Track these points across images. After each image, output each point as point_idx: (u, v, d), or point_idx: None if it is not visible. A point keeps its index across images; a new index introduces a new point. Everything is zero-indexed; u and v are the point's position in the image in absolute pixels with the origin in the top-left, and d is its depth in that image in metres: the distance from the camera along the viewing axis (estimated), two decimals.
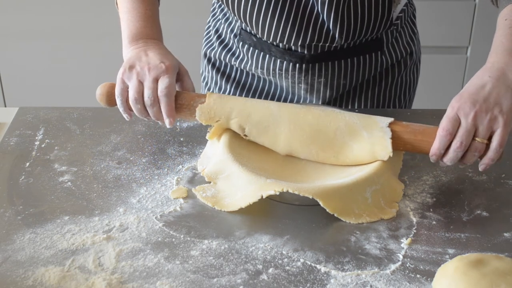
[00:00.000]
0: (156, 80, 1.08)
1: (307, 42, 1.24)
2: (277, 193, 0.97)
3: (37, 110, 1.30)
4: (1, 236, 0.96)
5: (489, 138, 1.01)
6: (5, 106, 2.88)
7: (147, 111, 1.10)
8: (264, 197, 0.97)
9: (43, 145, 1.18)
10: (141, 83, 1.08)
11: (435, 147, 1.02)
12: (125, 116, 1.12)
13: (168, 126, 1.10)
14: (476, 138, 1.00)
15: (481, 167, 1.03)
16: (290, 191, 0.96)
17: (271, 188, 0.97)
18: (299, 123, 1.08)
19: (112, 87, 1.13)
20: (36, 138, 1.21)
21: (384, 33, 1.30)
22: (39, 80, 2.81)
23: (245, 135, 1.10)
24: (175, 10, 2.57)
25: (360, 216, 0.99)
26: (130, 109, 1.11)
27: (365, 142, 1.05)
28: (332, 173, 1.07)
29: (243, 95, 1.37)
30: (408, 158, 1.14)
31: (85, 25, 2.67)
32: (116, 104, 1.13)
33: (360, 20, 1.22)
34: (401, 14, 1.32)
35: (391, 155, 1.04)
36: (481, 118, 1.00)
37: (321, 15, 1.21)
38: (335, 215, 0.98)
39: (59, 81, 2.80)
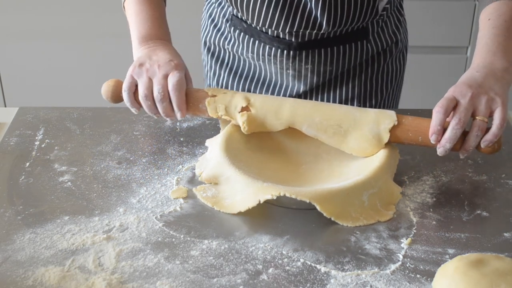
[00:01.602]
0: (166, 77, 1.10)
1: (294, 29, 1.27)
2: (274, 197, 0.96)
3: (37, 110, 1.30)
4: (1, 236, 0.96)
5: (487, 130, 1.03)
6: (5, 106, 2.88)
7: (156, 107, 1.11)
8: (261, 201, 0.97)
9: (43, 145, 1.18)
10: (150, 80, 1.10)
11: (432, 125, 1.02)
12: (133, 110, 1.14)
13: (179, 119, 1.12)
14: (477, 117, 1.02)
15: (483, 144, 1.03)
16: (287, 195, 0.96)
17: (268, 192, 0.97)
18: (304, 100, 1.13)
19: (118, 83, 1.15)
20: (36, 138, 1.21)
21: (370, 22, 1.32)
22: (39, 80, 2.80)
23: (247, 110, 1.09)
24: (176, 9, 2.57)
25: (357, 220, 0.99)
26: (138, 103, 1.13)
27: (369, 111, 1.08)
28: (330, 177, 1.07)
29: (236, 81, 1.42)
30: (408, 158, 1.14)
31: (85, 25, 2.67)
32: (120, 101, 1.15)
33: (347, 8, 1.24)
34: (387, 5, 1.34)
35: (396, 123, 1.05)
36: (478, 98, 1.02)
37: (309, 3, 1.23)
38: (332, 219, 0.97)
39: (59, 81, 2.80)
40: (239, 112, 1.10)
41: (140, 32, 1.19)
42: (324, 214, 0.96)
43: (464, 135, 1.03)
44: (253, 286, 0.87)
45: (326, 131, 1.08)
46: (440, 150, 1.03)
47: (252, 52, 1.35)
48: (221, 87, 1.44)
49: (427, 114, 1.27)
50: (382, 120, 1.07)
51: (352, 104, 1.38)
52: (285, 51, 1.32)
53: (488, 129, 1.02)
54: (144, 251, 0.93)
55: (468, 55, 2.70)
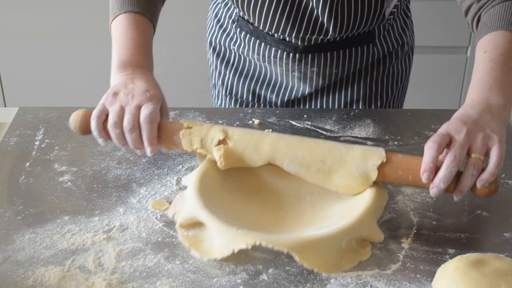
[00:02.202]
0: (138, 107, 1.03)
1: (301, 34, 1.27)
2: (249, 247, 0.88)
3: (37, 110, 1.30)
4: (1, 236, 0.96)
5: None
6: (5, 106, 2.88)
7: (125, 137, 1.04)
8: (235, 251, 0.89)
9: (43, 145, 1.18)
10: (122, 108, 1.03)
11: (424, 162, 0.94)
12: (99, 140, 1.05)
13: (148, 154, 1.04)
14: (472, 155, 0.94)
15: (479, 183, 0.94)
16: (263, 244, 0.87)
17: (242, 240, 0.88)
18: (286, 135, 1.05)
19: (87, 113, 1.07)
20: (36, 138, 1.21)
21: (376, 26, 1.32)
22: (39, 80, 2.80)
23: (225, 143, 1.02)
24: (181, 8, 2.57)
25: (339, 265, 0.90)
26: (106, 134, 1.05)
27: (355, 148, 1.01)
28: (312, 221, 0.98)
29: (241, 81, 1.41)
30: None
31: (85, 25, 2.67)
32: (89, 132, 1.07)
33: (353, 15, 1.24)
34: (394, 10, 1.33)
35: (384, 160, 0.97)
36: (474, 135, 0.95)
37: (315, 10, 1.23)
38: (315, 270, 0.89)
39: (59, 81, 2.80)
40: (216, 146, 1.02)
41: (121, 58, 1.12)
42: (305, 265, 0.88)
43: (458, 175, 0.94)
44: (253, 286, 0.87)
45: (309, 167, 0.99)
46: (433, 191, 0.94)
47: (258, 54, 1.35)
48: (227, 87, 1.44)
49: (427, 114, 1.28)
50: (369, 157, 0.98)
51: (358, 106, 1.38)
52: (291, 54, 1.32)
53: (484, 169, 0.94)
54: (144, 251, 0.93)
55: (468, 55, 2.70)
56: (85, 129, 1.07)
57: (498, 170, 0.94)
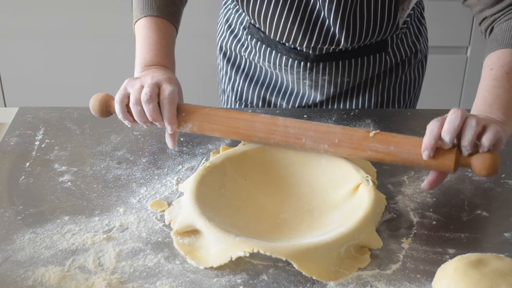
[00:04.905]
0: (157, 84, 1.05)
1: (312, 44, 1.27)
2: (247, 254, 0.88)
3: (37, 110, 1.30)
4: (1, 236, 0.96)
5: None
6: (5, 106, 2.88)
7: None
8: (233, 258, 0.89)
9: (43, 145, 1.18)
10: (142, 87, 1.06)
11: (425, 139, 0.95)
12: (126, 122, 1.09)
13: (170, 132, 1.07)
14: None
15: (486, 142, 0.93)
16: (262, 251, 0.87)
17: (240, 248, 0.88)
18: None
19: (106, 96, 1.10)
20: (36, 138, 1.21)
21: (389, 36, 1.31)
22: (39, 80, 2.80)
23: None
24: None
25: (338, 273, 0.89)
26: (131, 116, 1.08)
27: None
28: (310, 229, 0.97)
29: (251, 87, 1.41)
30: None
31: (85, 25, 2.67)
32: (109, 115, 1.11)
33: (366, 26, 1.23)
34: (407, 19, 1.33)
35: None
36: (475, 115, 0.96)
37: (327, 20, 1.22)
38: (314, 277, 0.88)
39: (59, 81, 2.80)
40: None
41: (144, 58, 1.16)
42: (303, 273, 0.87)
43: (458, 158, 0.96)
44: (253, 286, 0.87)
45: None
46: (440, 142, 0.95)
47: (269, 62, 1.35)
48: (236, 93, 1.43)
49: (427, 114, 1.28)
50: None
51: None
52: (302, 63, 1.31)
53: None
54: (144, 251, 0.93)
55: (468, 55, 2.70)
56: (106, 111, 1.11)
57: (493, 138, 0.93)
